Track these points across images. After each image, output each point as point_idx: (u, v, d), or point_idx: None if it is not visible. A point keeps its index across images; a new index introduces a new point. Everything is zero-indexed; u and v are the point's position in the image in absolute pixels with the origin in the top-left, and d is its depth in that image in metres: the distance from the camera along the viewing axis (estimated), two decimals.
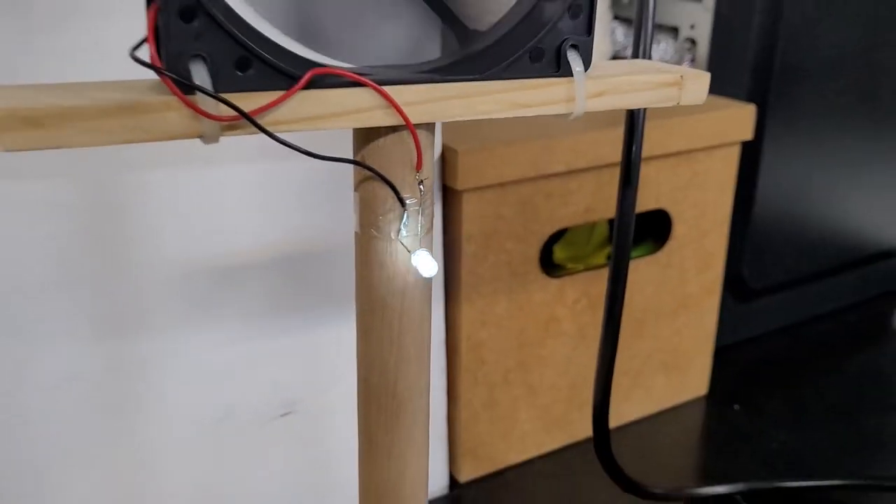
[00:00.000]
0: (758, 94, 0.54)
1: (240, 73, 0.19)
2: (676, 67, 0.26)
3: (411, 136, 0.21)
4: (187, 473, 0.38)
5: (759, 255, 0.59)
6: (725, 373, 0.58)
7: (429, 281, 0.24)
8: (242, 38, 0.19)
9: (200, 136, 0.19)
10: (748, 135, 0.49)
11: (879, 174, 0.64)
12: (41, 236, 0.31)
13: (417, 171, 0.22)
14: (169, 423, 0.36)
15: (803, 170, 0.58)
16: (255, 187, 0.35)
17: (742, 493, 0.46)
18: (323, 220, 0.37)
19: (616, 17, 0.57)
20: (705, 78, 0.25)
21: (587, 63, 0.23)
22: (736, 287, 0.60)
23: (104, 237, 0.32)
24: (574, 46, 0.23)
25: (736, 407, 0.55)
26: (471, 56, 0.22)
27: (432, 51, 0.24)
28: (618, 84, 0.24)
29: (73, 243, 0.31)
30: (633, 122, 0.32)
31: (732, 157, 0.50)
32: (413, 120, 0.21)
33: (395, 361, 0.24)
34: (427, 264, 0.23)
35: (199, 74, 0.18)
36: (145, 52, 0.18)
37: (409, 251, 0.23)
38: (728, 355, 0.60)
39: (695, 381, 0.55)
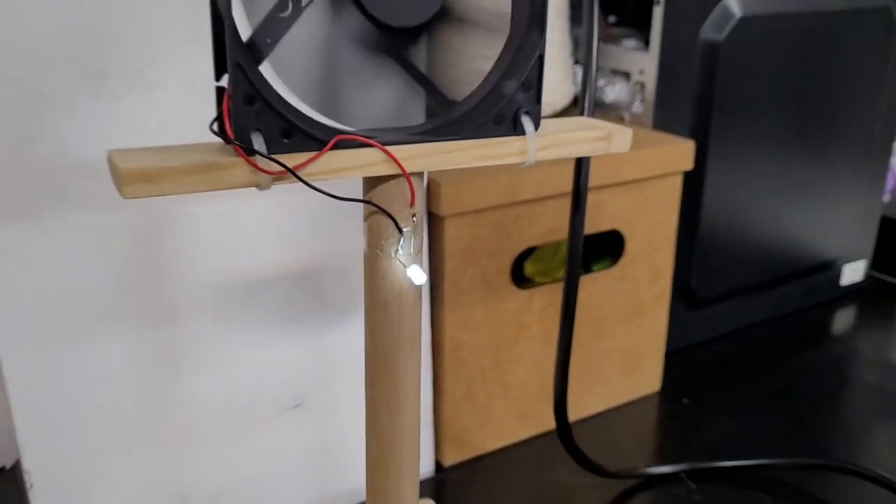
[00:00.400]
0: (700, 129, 0.62)
1: (285, 140, 0.26)
2: (606, 124, 0.33)
3: (407, 182, 0.29)
4: (215, 455, 0.45)
5: (707, 268, 0.67)
6: (677, 372, 0.66)
7: (420, 287, 0.31)
8: (288, 115, 0.26)
9: (257, 186, 0.26)
10: (689, 166, 0.57)
11: (814, 195, 0.72)
12: (107, 254, 0.38)
13: (411, 207, 0.30)
14: (201, 413, 0.43)
15: (743, 192, 0.66)
16: (278, 215, 0.42)
17: (685, 471, 0.54)
18: (329, 242, 0.44)
19: (577, 62, 0.65)
20: (628, 133, 0.33)
21: (537, 124, 0.31)
22: (686, 297, 0.67)
23: (154, 255, 0.39)
24: (527, 113, 0.31)
25: (685, 401, 0.63)
26: (449, 122, 0.30)
27: (416, 110, 0.32)
28: (560, 140, 0.31)
29: (131, 260, 0.39)
30: (580, 162, 0.40)
31: (676, 185, 0.58)
32: (408, 170, 0.28)
33: (395, 346, 0.31)
34: (418, 276, 0.30)
35: (258, 142, 0.26)
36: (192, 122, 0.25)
37: (404, 266, 0.30)
38: (680, 357, 0.68)
39: (649, 378, 0.63)
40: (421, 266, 0.30)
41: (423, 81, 0.30)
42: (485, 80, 0.30)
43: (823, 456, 0.55)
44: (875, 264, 0.84)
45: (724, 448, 0.56)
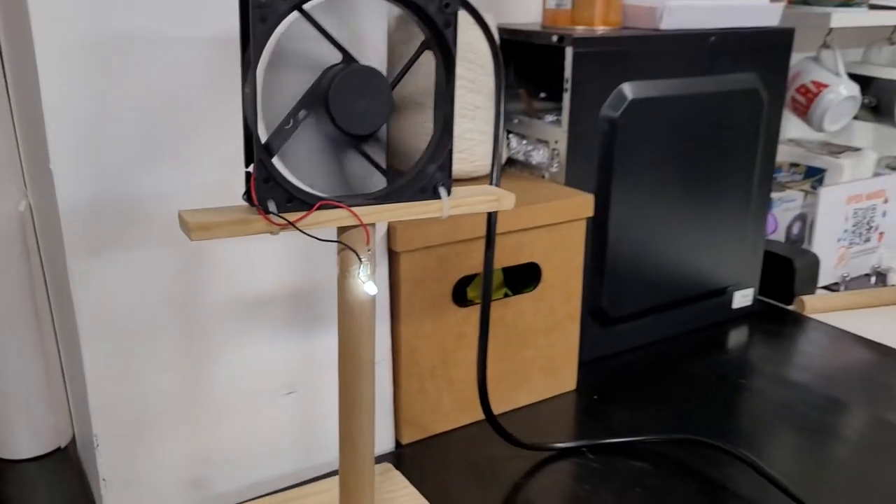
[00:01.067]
0: (603, 184, 0.79)
1: (288, 204, 0.43)
2: (498, 191, 0.50)
3: (364, 230, 0.45)
4: (229, 429, 0.60)
5: (615, 293, 0.84)
6: (590, 376, 0.82)
7: (374, 298, 0.47)
8: (289, 189, 0.42)
9: (271, 233, 0.42)
10: (590, 213, 0.74)
11: (706, 235, 0.89)
12: (162, 278, 0.54)
13: (368, 245, 0.46)
14: (221, 397, 0.59)
15: (644, 233, 0.83)
16: (282, 252, 0.58)
17: (585, 445, 0.70)
18: (315, 269, 0.60)
19: (509, 132, 0.82)
20: (512, 196, 0.50)
21: (449, 192, 0.47)
22: (599, 316, 0.84)
23: (192, 279, 0.55)
24: (442, 185, 0.47)
25: (595, 397, 0.79)
26: (393, 191, 0.46)
27: (374, 182, 0.48)
28: (464, 202, 0.48)
29: (177, 282, 0.55)
30: (490, 216, 0.56)
31: (581, 228, 0.74)
32: (364, 222, 0.45)
33: (357, 337, 0.47)
34: (372, 289, 0.46)
35: (271, 206, 0.42)
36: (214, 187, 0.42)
37: (363, 283, 0.46)
38: (594, 365, 0.84)
39: (566, 380, 0.79)
40: (374, 283, 0.47)
41: (376, 165, 0.47)
42: (415, 164, 0.47)
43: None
44: (763, 291, 1.01)
45: (619, 430, 0.72)
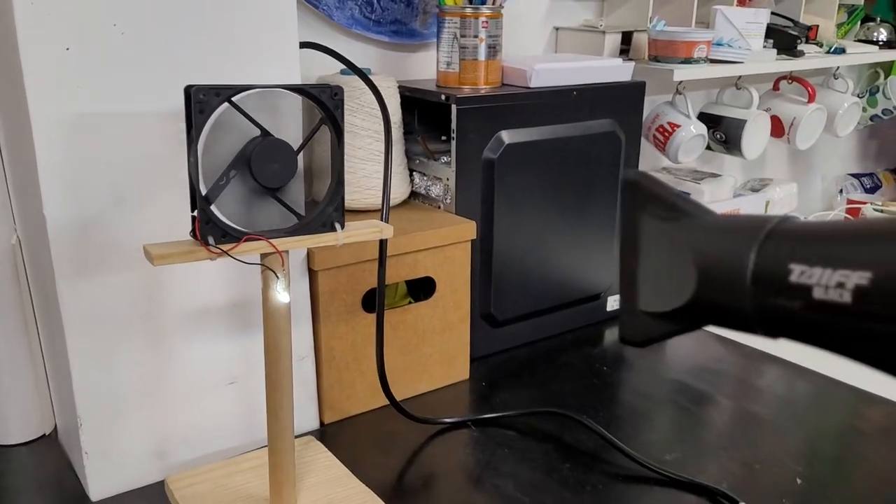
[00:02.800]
0: (487, 212, 0.96)
1: (223, 238, 0.59)
2: (382, 224, 0.67)
3: (279, 255, 0.62)
4: (184, 411, 0.75)
5: (501, 299, 1.01)
6: (482, 368, 0.99)
7: (288, 304, 0.63)
8: (223, 228, 0.58)
9: (210, 259, 0.58)
10: (473, 236, 0.91)
11: (580, 250, 1.07)
12: (132, 292, 0.69)
13: (283, 267, 0.62)
14: (176, 385, 0.74)
15: (524, 250, 1.01)
16: (220, 272, 0.74)
17: (470, 419, 0.86)
18: (247, 285, 0.76)
19: (412, 171, 0.99)
20: (391, 228, 0.66)
21: (342, 227, 0.64)
22: (488, 319, 1.01)
23: (152, 293, 0.71)
24: (338, 222, 0.63)
25: (483, 384, 0.96)
26: (301, 227, 0.62)
27: (288, 219, 0.64)
28: (355, 234, 0.64)
29: (144, 294, 0.70)
30: (381, 242, 0.73)
31: (467, 248, 0.92)
32: (280, 249, 0.61)
33: (277, 335, 0.63)
34: (286, 298, 0.62)
35: (211, 241, 0.58)
36: (174, 230, 0.58)
37: (280, 294, 0.62)
38: (485, 359, 1.01)
39: (459, 371, 0.96)
40: (289, 294, 0.63)
41: (288, 208, 0.63)
42: (317, 207, 0.63)
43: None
44: None
45: (499, 408, 0.89)
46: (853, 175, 1.87)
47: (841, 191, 1.81)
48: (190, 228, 0.59)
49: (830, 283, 0.27)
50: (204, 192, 0.58)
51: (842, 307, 0.27)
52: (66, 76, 0.62)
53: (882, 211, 1.46)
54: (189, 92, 0.56)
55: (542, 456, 0.80)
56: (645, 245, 0.37)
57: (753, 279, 0.30)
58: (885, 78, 1.59)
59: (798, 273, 0.29)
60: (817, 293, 0.28)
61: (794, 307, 0.29)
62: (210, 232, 0.58)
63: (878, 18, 1.55)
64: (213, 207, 0.59)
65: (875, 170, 1.95)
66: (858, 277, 0.26)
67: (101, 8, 0.62)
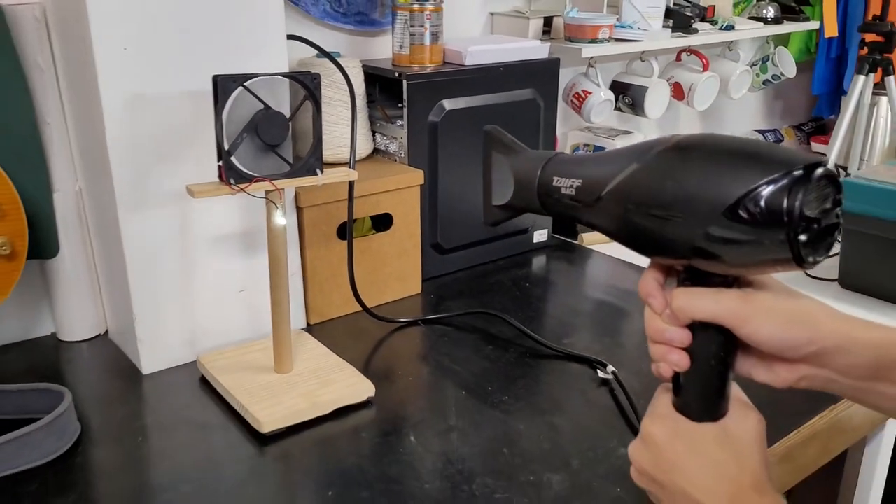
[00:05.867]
0: (433, 163, 1.23)
1: (240, 179, 0.85)
2: (349, 171, 0.93)
3: (277, 191, 0.88)
4: (207, 311, 1.02)
5: (445, 232, 1.28)
6: (431, 286, 1.26)
7: (284, 225, 0.90)
8: (240, 173, 0.85)
9: (231, 194, 0.85)
10: (421, 182, 1.18)
11: None
12: (168, 223, 0.96)
13: (281, 199, 0.89)
14: (202, 291, 1.01)
15: (463, 192, 1.27)
16: (239, 204, 1.00)
17: (421, 319, 1.14)
18: (255, 214, 1.03)
19: (374, 132, 1.25)
20: (355, 173, 0.93)
21: (321, 171, 0.90)
22: (436, 248, 1.28)
23: (185, 222, 0.97)
24: (318, 168, 0.90)
25: (432, 296, 1.23)
26: (292, 172, 0.89)
27: (284, 165, 0.91)
28: (330, 177, 0.91)
29: (177, 224, 0.97)
30: (350, 184, 1.00)
31: (416, 191, 1.18)
32: (278, 187, 0.87)
33: (276, 249, 0.90)
34: (282, 221, 0.89)
35: (232, 181, 0.84)
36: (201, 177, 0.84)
37: (279, 218, 0.89)
38: (434, 280, 1.28)
39: (413, 286, 1.23)
40: (285, 219, 0.90)
41: (283, 159, 0.89)
42: (304, 158, 0.90)
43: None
44: (556, 230, 1.47)
45: (443, 312, 1.17)
46: (758, 131, 2.16)
47: None
48: (217, 174, 0.86)
49: (566, 185, 0.55)
50: (226, 147, 0.85)
51: (571, 197, 0.54)
52: (125, 68, 0.88)
53: None
54: (216, 80, 0.82)
55: (472, 343, 1.09)
56: (493, 167, 0.64)
57: (538, 186, 0.58)
58: (774, 49, 1.87)
59: (556, 181, 0.56)
60: (563, 191, 0.55)
61: (556, 198, 0.56)
62: (231, 175, 0.85)
63: None
64: (232, 158, 0.85)
65: (780, 126, 2.24)
66: (574, 181, 0.54)
67: (147, 20, 0.88)
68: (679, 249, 0.48)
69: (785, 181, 0.43)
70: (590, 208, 0.53)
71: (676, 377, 0.54)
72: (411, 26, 1.22)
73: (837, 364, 0.50)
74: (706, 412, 0.53)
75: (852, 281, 1.25)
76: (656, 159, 0.49)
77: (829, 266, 1.32)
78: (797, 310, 0.50)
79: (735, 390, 0.54)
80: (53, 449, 0.79)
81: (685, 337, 0.52)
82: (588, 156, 0.57)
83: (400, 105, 1.21)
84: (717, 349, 0.51)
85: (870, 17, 1.87)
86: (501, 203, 0.63)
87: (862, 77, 1.74)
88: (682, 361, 0.52)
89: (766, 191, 0.43)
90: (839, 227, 0.46)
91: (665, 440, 0.53)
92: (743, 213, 0.44)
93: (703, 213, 0.45)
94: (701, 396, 0.53)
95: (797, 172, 0.43)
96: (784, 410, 0.90)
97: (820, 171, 0.44)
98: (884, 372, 0.50)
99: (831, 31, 1.91)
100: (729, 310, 0.49)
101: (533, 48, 1.31)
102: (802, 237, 0.43)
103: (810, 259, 0.44)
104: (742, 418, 0.52)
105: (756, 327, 0.49)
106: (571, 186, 0.54)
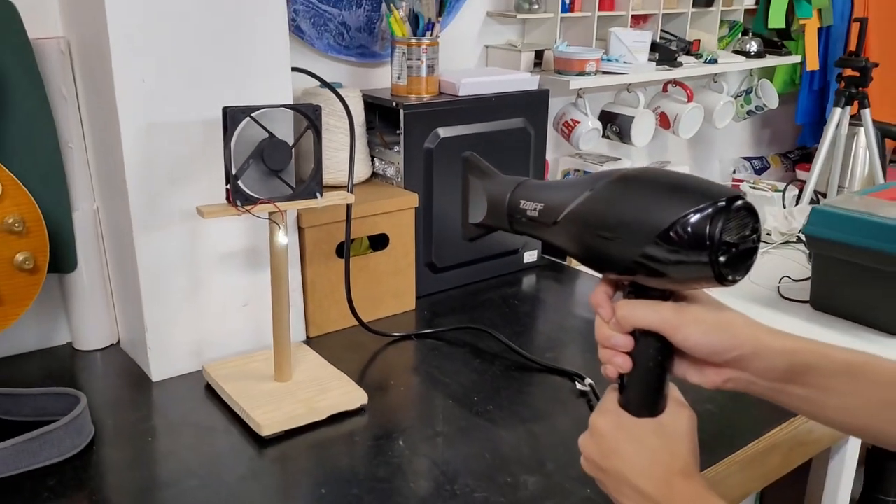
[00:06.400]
0: (428, 186, 1.30)
1: (246, 201, 0.92)
2: (346, 195, 1.01)
3: (280, 213, 0.95)
4: (213, 323, 1.09)
5: (439, 252, 1.35)
6: (425, 302, 1.33)
7: (286, 245, 0.97)
8: (246, 195, 0.92)
9: (238, 215, 0.92)
10: (416, 204, 1.25)
11: None
12: (179, 241, 1.03)
13: (283, 220, 0.96)
14: (209, 304, 1.08)
15: (456, 214, 1.35)
16: (244, 225, 1.08)
17: (414, 333, 1.21)
18: (259, 234, 1.10)
19: (373, 157, 1.33)
20: (353, 197, 1.00)
21: (321, 195, 0.97)
22: (430, 266, 1.35)
23: (195, 241, 1.04)
24: (318, 192, 0.97)
25: (425, 312, 1.30)
26: (294, 195, 0.96)
27: (286, 189, 0.98)
28: (329, 199, 0.98)
29: (186, 243, 1.04)
30: (348, 206, 1.07)
31: (412, 213, 1.25)
32: (281, 209, 0.95)
33: (278, 267, 0.97)
34: (284, 240, 0.96)
35: (239, 203, 0.91)
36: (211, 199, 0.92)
37: (281, 238, 0.96)
38: (428, 297, 1.35)
39: (407, 302, 1.30)
40: (287, 238, 0.97)
41: (286, 183, 0.97)
42: (305, 182, 0.97)
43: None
44: (545, 251, 1.54)
45: (435, 327, 1.24)
46: (746, 158, 2.23)
47: (734, 171, 2.17)
48: (224, 196, 0.93)
49: (531, 208, 0.62)
50: (234, 172, 0.92)
51: (534, 218, 0.62)
52: (142, 98, 0.96)
53: (755, 187, 1.82)
54: (226, 111, 0.90)
55: (462, 356, 1.15)
56: (470, 189, 0.71)
57: (507, 207, 0.65)
58: (758, 81, 1.95)
59: (523, 204, 0.63)
60: (529, 213, 0.63)
61: (522, 219, 0.64)
62: (238, 197, 0.92)
63: (751, 32, 1.90)
64: (239, 182, 0.93)
65: (767, 154, 2.32)
66: (537, 205, 0.61)
67: (164, 55, 0.96)
68: (621, 266, 0.55)
69: (709, 210, 0.50)
70: (550, 228, 0.60)
71: (621, 377, 0.61)
72: (409, 59, 1.30)
73: (755, 367, 0.57)
74: (645, 408, 0.60)
75: (823, 303, 1.32)
76: (604, 188, 0.56)
77: (802, 288, 1.39)
78: (721, 320, 0.57)
79: (672, 390, 0.61)
80: (71, 447, 0.86)
81: (628, 342, 0.59)
82: (550, 183, 0.64)
83: (397, 132, 1.29)
84: (655, 353, 0.58)
85: (848, 53, 1.95)
86: (476, 221, 0.70)
87: (839, 109, 1.82)
88: (625, 364, 0.59)
89: (693, 218, 0.50)
90: (756, 251, 0.53)
91: (608, 431, 0.60)
92: (673, 237, 0.51)
93: (640, 236, 0.53)
94: (641, 394, 0.60)
95: (720, 203, 0.50)
96: (746, 421, 0.97)
97: (739, 202, 0.51)
98: (794, 375, 0.57)
99: (813, 64, 1.99)
100: (664, 319, 0.56)
101: (523, 80, 1.39)
102: (722, 259, 0.50)
103: (730, 277, 0.52)
104: (676, 414, 0.59)
105: (686, 335, 0.56)
106: (535, 209, 0.62)
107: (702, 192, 0.51)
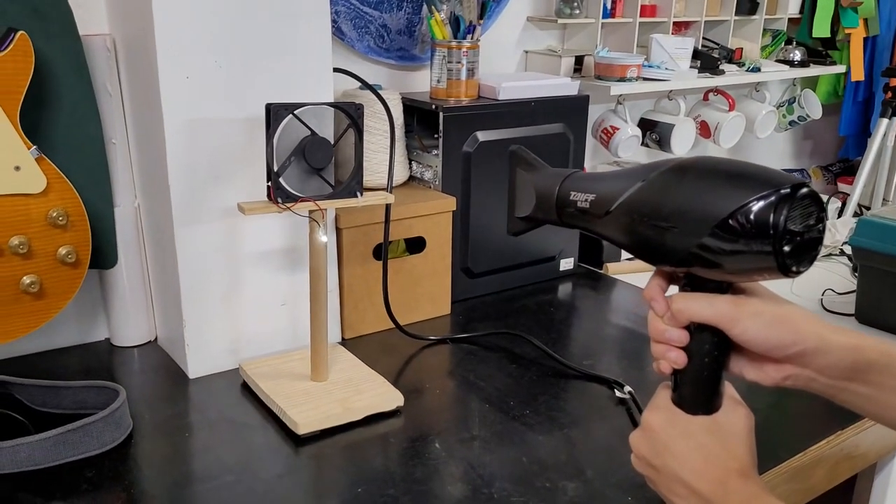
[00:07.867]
0: (466, 189, 1.30)
1: (287, 199, 0.92)
2: (386, 194, 1.00)
3: (320, 211, 0.96)
4: (251, 322, 1.09)
5: (475, 257, 1.34)
6: (461, 307, 1.32)
7: (326, 244, 0.97)
8: (287, 193, 0.92)
9: (279, 212, 0.92)
10: (454, 208, 1.25)
11: None
12: (219, 238, 1.04)
13: (323, 219, 0.96)
14: (247, 303, 1.08)
15: (493, 219, 1.34)
16: (284, 222, 1.08)
17: (448, 338, 1.20)
18: (299, 232, 1.10)
19: (411, 160, 1.33)
20: (392, 197, 1.00)
21: (361, 194, 0.97)
22: (467, 272, 1.35)
23: (234, 238, 1.05)
24: (358, 191, 0.97)
25: (460, 317, 1.29)
26: (335, 194, 0.96)
27: (327, 187, 0.98)
28: (370, 199, 0.98)
29: (226, 240, 1.04)
30: (387, 207, 1.07)
31: (449, 217, 1.25)
32: (321, 207, 0.95)
33: (317, 266, 0.97)
34: (324, 239, 0.96)
35: (280, 200, 0.92)
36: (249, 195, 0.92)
37: (321, 236, 0.96)
38: (463, 301, 1.35)
39: (443, 307, 1.29)
40: (326, 237, 0.97)
41: (327, 182, 0.97)
42: (345, 182, 0.97)
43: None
44: (582, 259, 1.53)
45: (471, 332, 1.23)
46: (787, 170, 2.20)
47: None
48: (266, 193, 0.93)
49: (582, 199, 0.61)
50: (276, 169, 0.93)
51: (585, 210, 0.61)
52: (186, 95, 0.96)
53: None
54: (269, 108, 0.90)
55: (497, 361, 1.14)
56: (517, 182, 0.71)
57: (557, 199, 0.65)
58: (801, 90, 1.92)
59: (573, 195, 0.63)
60: (579, 204, 0.62)
61: (572, 211, 0.63)
62: (279, 195, 0.92)
63: (795, 41, 1.88)
64: (280, 179, 0.93)
65: (808, 166, 2.28)
66: (589, 196, 0.60)
67: (208, 52, 0.96)
68: (677, 257, 0.54)
69: (773, 198, 0.49)
70: (601, 220, 0.60)
71: (675, 374, 0.59)
72: (448, 62, 1.30)
73: (818, 364, 0.55)
74: (700, 406, 0.58)
75: (868, 316, 1.29)
76: (658, 177, 0.55)
77: (846, 301, 1.36)
78: (781, 313, 0.56)
79: (727, 387, 0.60)
80: (110, 440, 0.86)
81: (683, 337, 0.57)
82: (601, 174, 0.64)
83: (436, 136, 1.29)
84: (711, 348, 0.57)
85: (894, 63, 1.91)
86: (523, 215, 0.69)
87: (885, 120, 1.79)
88: (679, 359, 0.58)
89: (756, 206, 0.49)
90: (821, 241, 0.52)
91: (661, 428, 0.58)
92: (734, 225, 0.50)
93: (698, 225, 0.52)
94: (696, 391, 0.58)
95: (784, 191, 0.49)
96: (791, 433, 0.95)
97: (805, 190, 0.50)
98: (857, 373, 0.55)
99: (857, 75, 1.96)
100: (721, 312, 0.55)
101: (563, 85, 1.38)
102: (786, 248, 0.49)
103: (794, 268, 0.50)
104: (732, 412, 0.58)
105: (745, 328, 0.55)
106: (586, 200, 0.61)
107: (764, 179, 0.50)
